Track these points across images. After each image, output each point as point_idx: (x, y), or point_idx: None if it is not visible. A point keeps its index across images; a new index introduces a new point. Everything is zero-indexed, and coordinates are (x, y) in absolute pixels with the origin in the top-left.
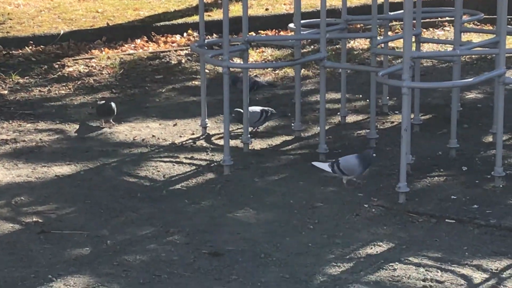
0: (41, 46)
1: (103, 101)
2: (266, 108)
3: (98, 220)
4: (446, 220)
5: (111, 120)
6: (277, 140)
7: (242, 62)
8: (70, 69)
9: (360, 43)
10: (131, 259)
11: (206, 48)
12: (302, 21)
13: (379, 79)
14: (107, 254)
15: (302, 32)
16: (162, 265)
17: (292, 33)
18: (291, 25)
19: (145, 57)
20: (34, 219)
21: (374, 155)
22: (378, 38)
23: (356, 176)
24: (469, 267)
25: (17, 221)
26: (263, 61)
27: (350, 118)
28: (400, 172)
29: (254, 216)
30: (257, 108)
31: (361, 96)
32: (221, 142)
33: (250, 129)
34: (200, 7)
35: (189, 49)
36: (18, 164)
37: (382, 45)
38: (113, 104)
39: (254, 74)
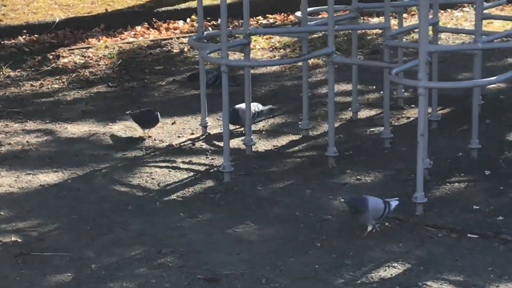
0: (35, 35)
1: (144, 109)
2: (255, 104)
3: (83, 239)
4: (468, 235)
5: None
6: (283, 140)
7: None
8: (65, 60)
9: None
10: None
11: (205, 41)
12: (310, 9)
13: (393, 78)
14: (91, 281)
15: (309, 23)
16: None
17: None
18: (298, 13)
19: (145, 45)
20: (13, 239)
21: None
22: (393, 28)
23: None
24: None
25: None
26: (271, 48)
27: (363, 113)
28: (417, 181)
29: (256, 232)
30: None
31: (374, 87)
32: (222, 143)
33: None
34: None
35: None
36: (1, 172)
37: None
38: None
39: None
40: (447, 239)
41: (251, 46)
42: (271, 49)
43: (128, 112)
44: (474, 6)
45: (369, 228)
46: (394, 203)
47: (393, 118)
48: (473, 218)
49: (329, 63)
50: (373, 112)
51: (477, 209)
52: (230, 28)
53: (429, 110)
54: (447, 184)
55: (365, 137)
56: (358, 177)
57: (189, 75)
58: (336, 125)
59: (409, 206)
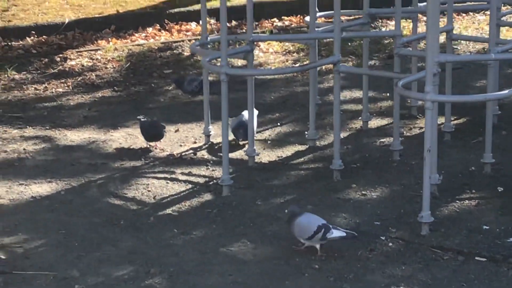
0: (44, 36)
1: (147, 119)
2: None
3: (69, 257)
4: (476, 258)
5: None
6: (288, 151)
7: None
8: (73, 62)
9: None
10: None
11: (209, 47)
12: (320, 13)
13: (399, 90)
14: None
15: (316, 29)
16: None
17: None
18: (308, 18)
19: (156, 48)
20: None
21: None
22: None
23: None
24: None
25: None
26: (284, 52)
27: (374, 123)
28: (423, 199)
29: (251, 251)
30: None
31: (388, 94)
32: None
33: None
34: None
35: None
36: None
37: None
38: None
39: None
40: (453, 262)
41: (264, 49)
42: (284, 52)
43: (138, 117)
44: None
45: (302, 246)
46: (337, 233)
47: (405, 128)
48: (482, 239)
49: (335, 72)
50: (384, 122)
51: (487, 230)
52: (235, 35)
53: (442, 120)
54: (457, 201)
55: (374, 148)
56: (363, 192)
57: (175, 80)
58: (345, 134)
59: (414, 225)
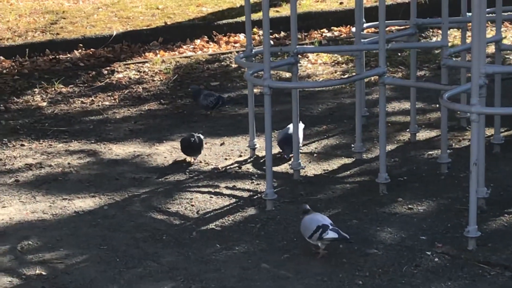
0: (91, 49)
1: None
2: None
3: (110, 272)
4: None
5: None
6: (334, 164)
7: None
8: (120, 75)
9: None
10: None
11: (254, 59)
12: (367, 24)
13: (445, 102)
14: None
15: (362, 40)
16: None
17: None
18: (354, 29)
19: (203, 59)
20: (37, 272)
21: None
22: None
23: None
24: None
25: (17, 274)
26: (333, 63)
27: (423, 135)
28: (469, 214)
29: (294, 267)
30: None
31: (437, 105)
32: None
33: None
34: (246, 8)
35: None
36: (36, 196)
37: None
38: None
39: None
40: (500, 278)
41: (313, 60)
42: (333, 64)
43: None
44: None
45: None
46: (332, 234)
47: (454, 140)
48: None
49: (380, 85)
50: (433, 134)
51: None
52: (280, 47)
53: (492, 132)
54: (505, 215)
55: (422, 161)
56: (409, 206)
57: (193, 92)
58: (393, 147)
59: (461, 239)
